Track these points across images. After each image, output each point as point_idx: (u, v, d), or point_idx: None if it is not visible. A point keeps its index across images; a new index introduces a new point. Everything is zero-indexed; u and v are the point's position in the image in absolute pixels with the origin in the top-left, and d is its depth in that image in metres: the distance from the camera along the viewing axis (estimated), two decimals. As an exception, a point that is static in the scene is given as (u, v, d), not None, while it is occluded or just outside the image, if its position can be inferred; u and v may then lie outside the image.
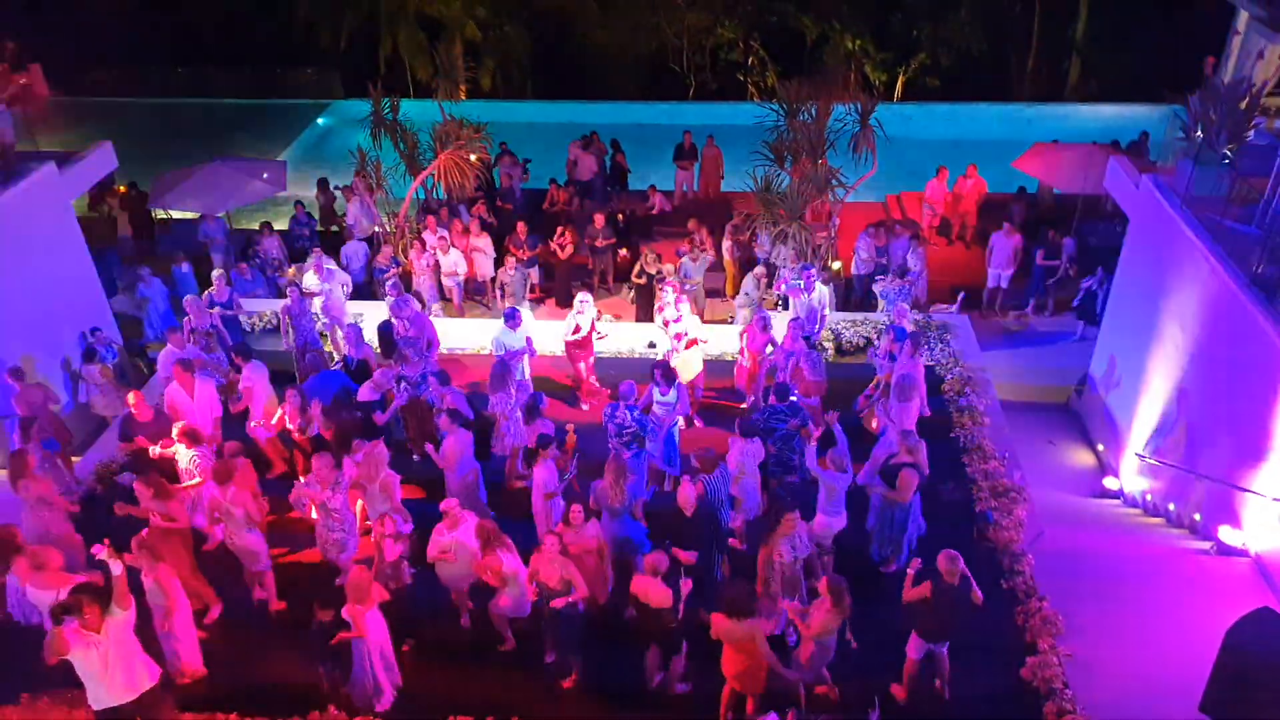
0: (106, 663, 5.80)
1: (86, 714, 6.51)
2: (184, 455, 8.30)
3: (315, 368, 10.31)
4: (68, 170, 11.65)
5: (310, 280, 11.79)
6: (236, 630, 7.78)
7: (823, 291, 10.69)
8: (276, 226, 14.62)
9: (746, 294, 12.52)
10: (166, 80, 24.67)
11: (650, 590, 6.53)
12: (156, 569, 6.75)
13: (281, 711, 6.75)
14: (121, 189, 16.45)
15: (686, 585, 6.67)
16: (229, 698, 6.98)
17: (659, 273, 12.90)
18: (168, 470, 8.30)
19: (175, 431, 8.33)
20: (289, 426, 8.89)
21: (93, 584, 6.11)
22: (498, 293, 13.67)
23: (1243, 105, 9.92)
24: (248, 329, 12.15)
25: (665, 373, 8.80)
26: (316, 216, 15.81)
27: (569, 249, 14.00)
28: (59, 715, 6.60)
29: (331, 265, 12.34)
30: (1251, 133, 10.03)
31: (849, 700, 6.91)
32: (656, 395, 8.75)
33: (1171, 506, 9.63)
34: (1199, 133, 10.05)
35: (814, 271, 10.78)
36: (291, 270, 13.48)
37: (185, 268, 13.57)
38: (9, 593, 7.48)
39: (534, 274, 14.47)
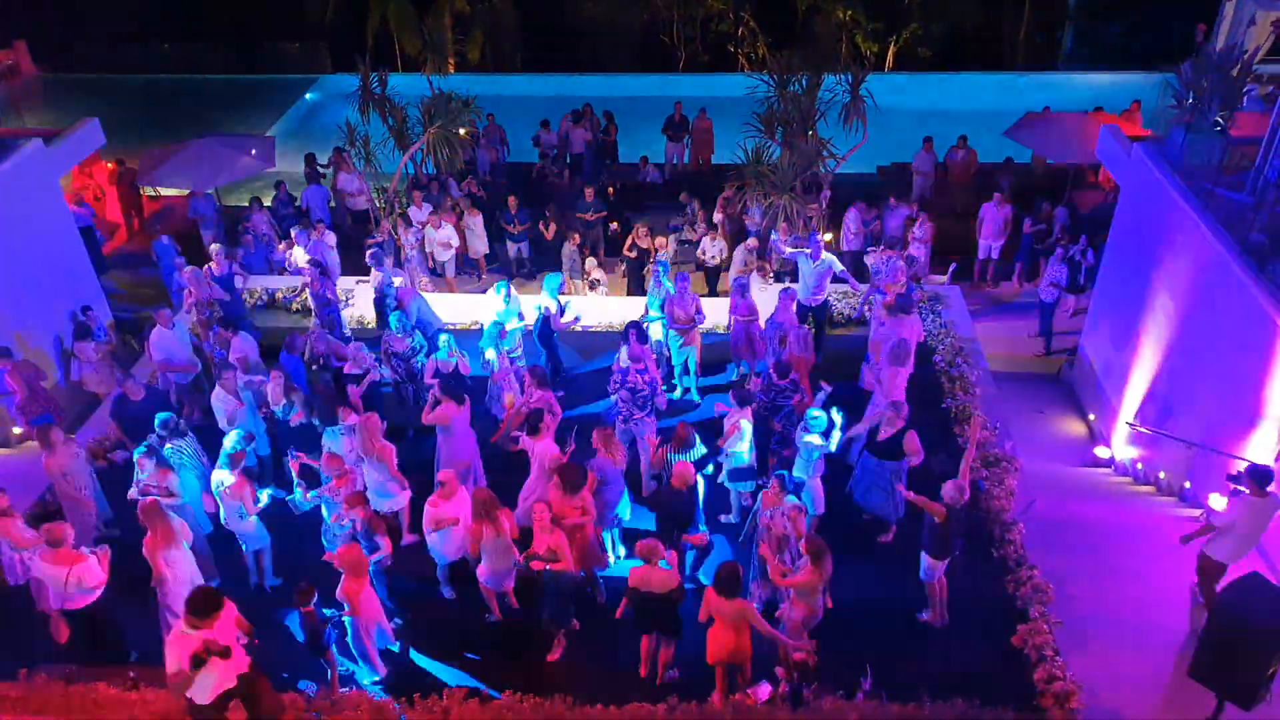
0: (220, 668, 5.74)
1: (82, 689, 6.57)
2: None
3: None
4: (55, 147, 11.53)
5: (299, 256, 11.74)
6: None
7: (831, 258, 10.67)
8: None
9: (744, 264, 12.47)
10: (153, 56, 24.36)
11: (651, 576, 6.53)
12: (156, 543, 6.78)
13: (279, 686, 6.79)
14: (109, 166, 16.29)
15: (671, 557, 6.72)
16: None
17: (650, 247, 12.87)
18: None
19: None
20: (271, 406, 8.81)
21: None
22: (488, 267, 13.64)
23: (1234, 72, 9.87)
24: (248, 302, 12.04)
25: (639, 334, 9.01)
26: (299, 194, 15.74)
27: (553, 227, 13.85)
28: (56, 691, 6.62)
29: (317, 235, 12.30)
30: (1244, 100, 9.99)
31: (841, 668, 7.00)
32: (623, 352, 8.82)
33: (1162, 474, 9.71)
34: (1191, 100, 10.00)
35: (820, 238, 10.74)
36: (282, 245, 13.39)
37: (165, 240, 13.51)
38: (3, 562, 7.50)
39: (525, 248, 14.41)
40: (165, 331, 9.80)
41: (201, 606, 5.57)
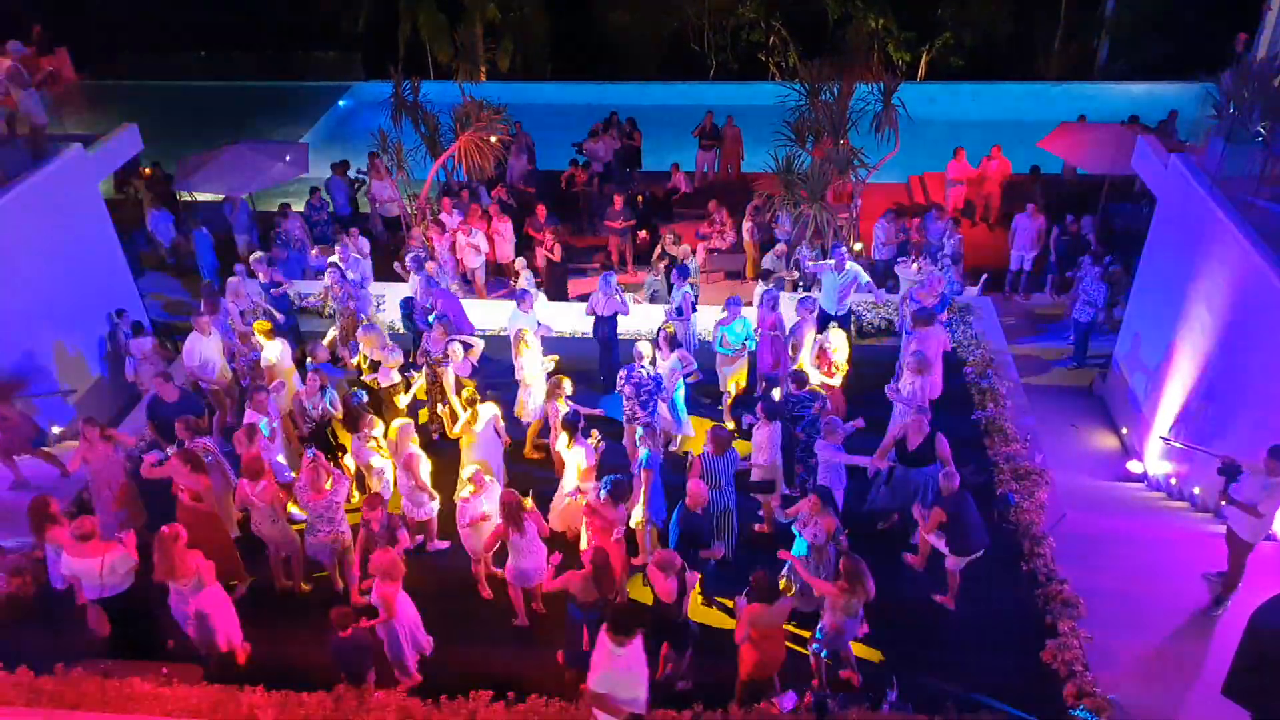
0: None
1: (117, 684, 6.68)
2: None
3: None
4: (95, 152, 11.78)
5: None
6: (264, 607, 7.91)
7: (856, 269, 10.64)
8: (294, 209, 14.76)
9: (769, 271, 12.44)
10: (189, 63, 24.83)
11: (657, 583, 6.53)
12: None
13: (307, 686, 6.86)
14: (146, 171, 16.62)
15: (693, 578, 6.71)
16: (256, 673, 7.09)
17: (679, 255, 12.88)
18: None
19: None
20: (305, 405, 8.88)
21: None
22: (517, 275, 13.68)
23: (1276, 82, 9.72)
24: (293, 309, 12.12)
25: (668, 339, 9.15)
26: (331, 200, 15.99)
27: (557, 250, 13.58)
28: (92, 686, 6.73)
29: (355, 254, 12.45)
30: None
31: (867, 679, 6.96)
32: (658, 359, 9.05)
33: (1197, 490, 9.54)
34: (1232, 110, 9.85)
35: (845, 250, 10.71)
36: (315, 250, 13.59)
37: (204, 230, 13.93)
38: (49, 563, 7.65)
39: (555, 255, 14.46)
40: (201, 338, 9.76)
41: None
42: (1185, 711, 6.80)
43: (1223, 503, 7.44)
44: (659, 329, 9.48)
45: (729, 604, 7.56)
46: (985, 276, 13.08)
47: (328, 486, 7.50)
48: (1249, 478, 7.24)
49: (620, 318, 10.44)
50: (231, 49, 24.81)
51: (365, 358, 9.84)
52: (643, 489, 7.68)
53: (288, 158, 14.94)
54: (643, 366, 8.75)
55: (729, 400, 10.05)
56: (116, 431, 8.58)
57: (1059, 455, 9.69)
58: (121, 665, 6.94)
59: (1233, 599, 7.58)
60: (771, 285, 11.17)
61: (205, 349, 9.80)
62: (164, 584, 6.91)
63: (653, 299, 12.70)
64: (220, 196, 15.28)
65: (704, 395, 10.39)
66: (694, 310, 10.63)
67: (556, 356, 9.82)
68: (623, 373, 8.83)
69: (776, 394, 9.35)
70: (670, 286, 12.21)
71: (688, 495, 7.22)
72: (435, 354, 9.38)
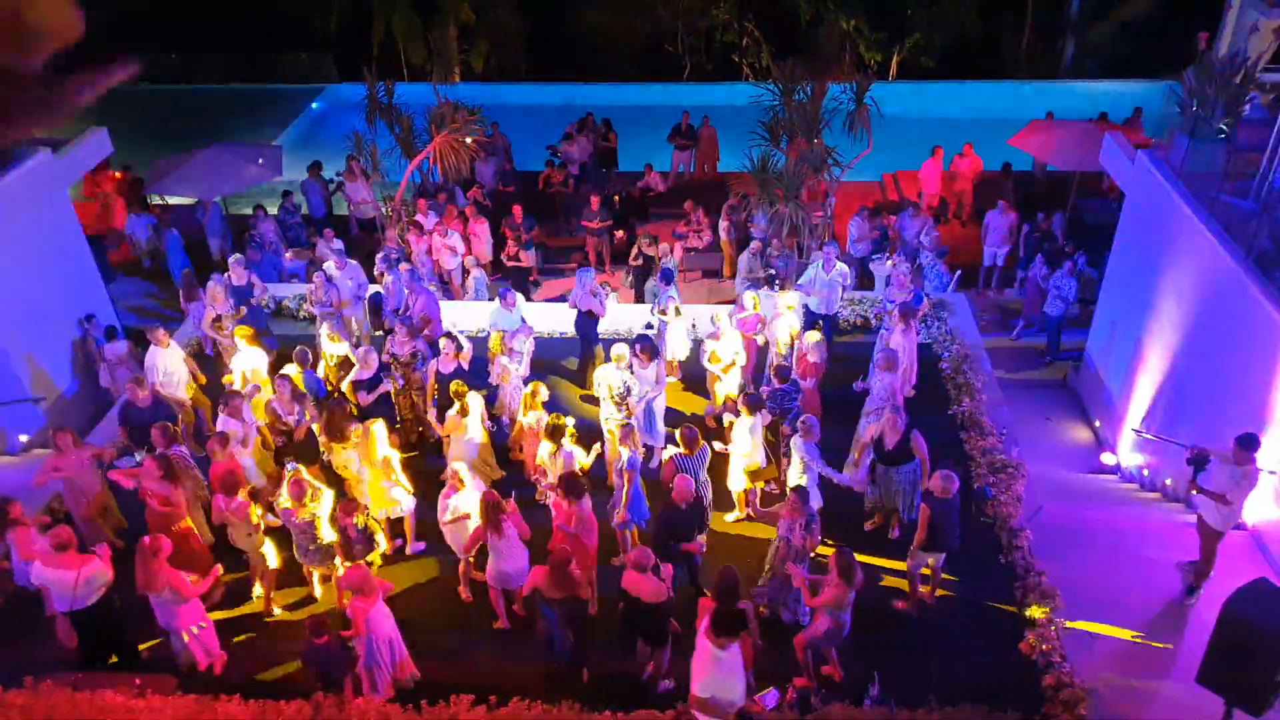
0: None
1: (89, 696, 6.56)
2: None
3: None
4: (63, 156, 11.59)
5: (331, 270, 11.61)
6: (238, 616, 7.82)
7: (843, 269, 10.68)
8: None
9: (749, 270, 12.47)
10: (159, 66, 24.48)
11: (640, 585, 6.51)
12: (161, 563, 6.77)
13: (285, 694, 6.79)
14: (117, 175, 16.38)
15: (667, 570, 6.73)
16: (231, 682, 7.02)
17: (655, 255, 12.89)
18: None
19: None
20: (280, 414, 8.63)
21: None
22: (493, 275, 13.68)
23: (1238, 80, 9.90)
24: (267, 312, 11.95)
25: (645, 348, 8.96)
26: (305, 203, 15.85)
27: (524, 256, 13.70)
28: (62, 699, 6.60)
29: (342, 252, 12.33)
30: (1247, 107, 10.01)
31: (849, 675, 6.99)
32: (636, 369, 8.90)
33: (1168, 481, 9.69)
34: (1195, 108, 10.02)
35: (833, 249, 10.75)
36: (289, 253, 13.45)
37: (174, 232, 13.76)
38: (13, 563, 7.53)
39: (531, 256, 14.45)
40: (160, 350, 9.55)
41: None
42: (1160, 699, 6.90)
43: (1193, 492, 7.56)
44: (637, 338, 9.28)
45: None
46: (958, 272, 13.22)
47: (308, 501, 7.37)
48: (1217, 467, 7.37)
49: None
50: (203, 51, 24.51)
51: (333, 358, 9.73)
52: (625, 490, 7.68)
53: (261, 160, 14.79)
54: (619, 369, 8.69)
55: (714, 413, 9.95)
56: (91, 442, 8.45)
57: (1034, 448, 9.80)
58: (92, 677, 6.84)
59: (1205, 587, 7.70)
60: (750, 285, 11.22)
61: (167, 361, 9.64)
62: (144, 596, 6.81)
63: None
64: (193, 200, 15.09)
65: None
66: (677, 314, 10.62)
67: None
68: (598, 372, 8.82)
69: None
70: (641, 285, 12.33)
71: (673, 490, 7.23)
72: (402, 356, 9.32)
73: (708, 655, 5.79)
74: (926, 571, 7.60)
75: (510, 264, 13.77)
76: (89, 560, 6.81)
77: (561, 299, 12.06)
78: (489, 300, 11.92)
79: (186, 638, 6.95)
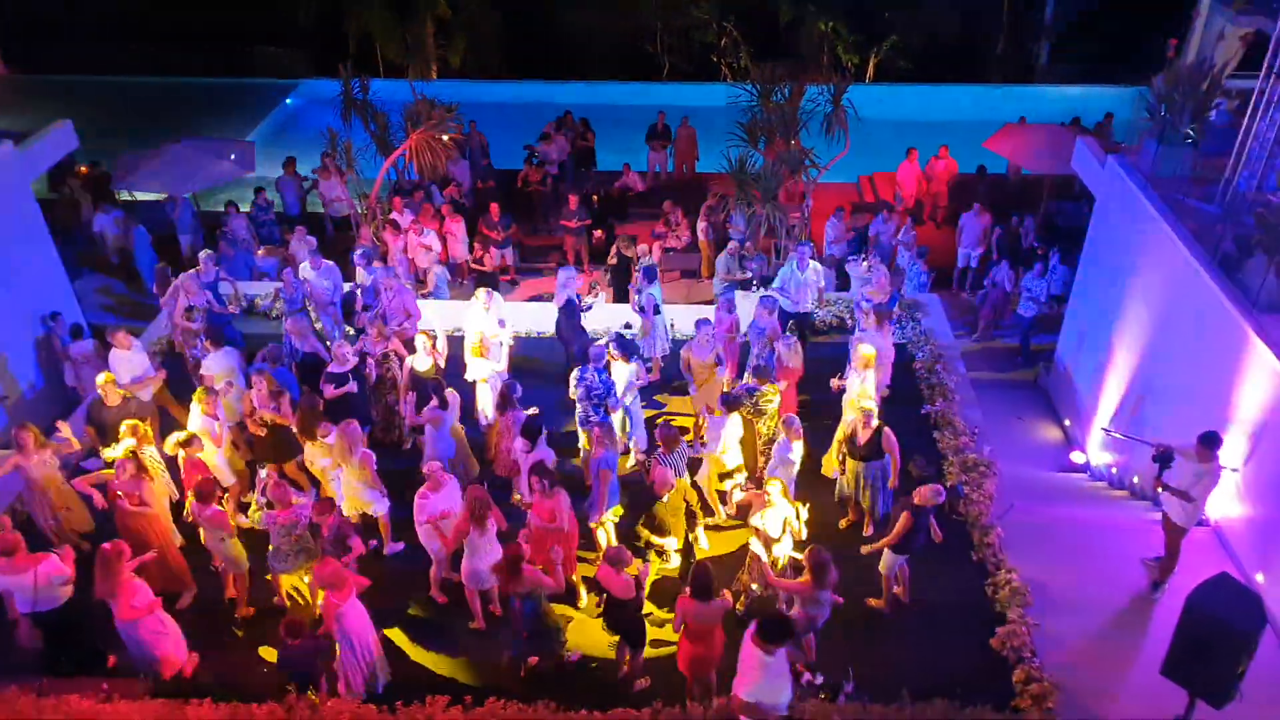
0: None
1: (54, 702, 6.45)
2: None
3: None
4: (26, 149, 11.38)
5: (306, 271, 11.46)
6: (210, 618, 7.70)
7: (817, 269, 10.73)
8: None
9: (727, 270, 12.50)
10: (129, 58, 24.06)
11: (611, 582, 6.54)
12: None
13: (257, 697, 6.71)
14: (83, 169, 16.10)
15: (644, 570, 6.73)
16: (203, 684, 6.95)
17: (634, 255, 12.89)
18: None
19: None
20: (257, 408, 8.51)
21: None
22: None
23: (1205, 86, 10.09)
24: (234, 309, 11.80)
25: (622, 347, 8.98)
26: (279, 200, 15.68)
27: (486, 259, 13.71)
28: (27, 703, 6.49)
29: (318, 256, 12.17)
30: (1213, 113, 10.20)
31: (823, 670, 7.05)
32: (614, 369, 8.87)
33: (1136, 479, 9.86)
34: (1163, 113, 10.20)
35: (807, 249, 10.80)
36: (261, 250, 13.31)
37: (142, 229, 13.56)
38: None
39: (509, 255, 14.41)
40: (123, 354, 9.36)
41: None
42: (1126, 692, 7.02)
43: (1158, 489, 7.70)
44: (613, 336, 9.27)
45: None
46: (933, 274, 13.36)
47: (295, 500, 7.31)
48: (1181, 464, 7.51)
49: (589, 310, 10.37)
50: (174, 43, 24.13)
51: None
52: (603, 489, 7.68)
53: (233, 156, 14.62)
54: (598, 370, 8.66)
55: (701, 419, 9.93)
56: (55, 439, 8.30)
57: (1005, 447, 9.92)
58: (58, 682, 6.72)
59: (1170, 582, 7.85)
60: (727, 286, 11.24)
61: (133, 365, 9.45)
62: (104, 601, 6.69)
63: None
64: (162, 195, 14.87)
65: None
66: (657, 312, 10.62)
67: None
68: (576, 373, 8.78)
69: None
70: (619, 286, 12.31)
71: (655, 483, 7.24)
72: (375, 354, 9.26)
73: (755, 660, 5.80)
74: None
75: (475, 268, 13.72)
76: (44, 558, 6.69)
77: (539, 298, 12.04)
78: (449, 298, 11.75)
79: (148, 645, 6.83)
